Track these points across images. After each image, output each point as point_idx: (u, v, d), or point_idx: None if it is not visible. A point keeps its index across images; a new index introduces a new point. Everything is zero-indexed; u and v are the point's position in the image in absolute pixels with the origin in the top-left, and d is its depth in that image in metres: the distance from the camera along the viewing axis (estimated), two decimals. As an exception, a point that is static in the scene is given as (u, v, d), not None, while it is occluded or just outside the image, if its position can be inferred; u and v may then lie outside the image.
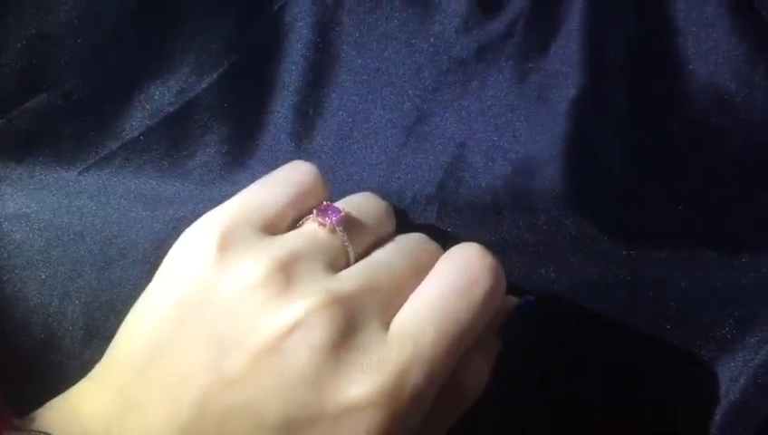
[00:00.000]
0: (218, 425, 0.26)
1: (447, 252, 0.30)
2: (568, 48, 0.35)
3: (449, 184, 0.35)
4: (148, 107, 0.36)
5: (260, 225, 0.29)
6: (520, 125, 0.35)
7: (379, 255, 0.30)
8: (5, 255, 0.34)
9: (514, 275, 0.33)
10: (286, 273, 0.27)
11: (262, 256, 0.28)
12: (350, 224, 0.30)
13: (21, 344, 0.33)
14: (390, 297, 0.28)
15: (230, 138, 0.36)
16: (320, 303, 0.27)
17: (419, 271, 0.29)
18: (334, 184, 0.35)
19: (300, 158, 0.36)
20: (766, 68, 0.34)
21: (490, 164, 0.35)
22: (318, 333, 0.26)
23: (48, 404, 0.29)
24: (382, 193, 0.32)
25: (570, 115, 0.35)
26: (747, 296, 0.33)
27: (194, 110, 0.36)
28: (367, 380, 0.26)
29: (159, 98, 0.36)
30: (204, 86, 0.36)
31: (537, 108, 0.35)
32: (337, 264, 0.29)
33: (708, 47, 0.35)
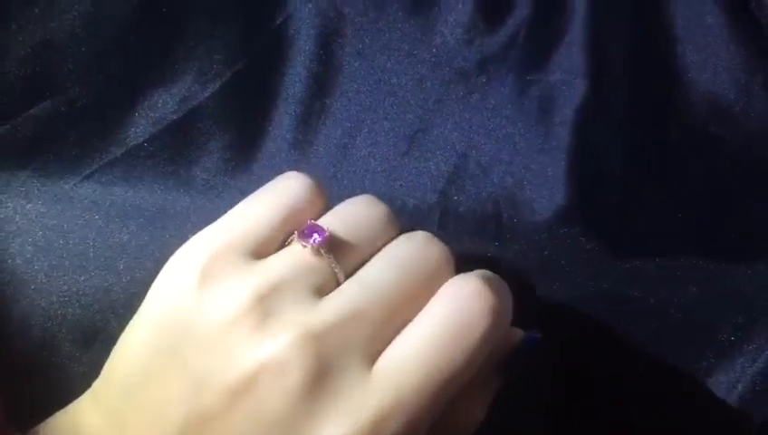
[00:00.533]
0: None
1: (446, 285, 0.28)
2: (569, 58, 0.35)
3: (451, 193, 0.35)
4: (151, 114, 0.36)
5: (247, 249, 0.28)
6: (521, 137, 0.35)
7: (369, 273, 0.28)
8: (6, 259, 0.34)
9: (514, 286, 0.33)
10: (264, 306, 0.26)
11: (241, 288, 0.27)
12: (336, 243, 0.28)
13: (20, 348, 0.33)
14: (378, 327, 0.27)
15: (233, 146, 0.36)
16: (294, 341, 0.25)
17: (419, 284, 0.27)
18: (336, 192, 0.35)
19: (302, 166, 0.36)
20: (765, 77, 0.35)
21: (491, 175, 0.35)
22: (291, 375, 0.25)
23: (50, 419, 0.29)
24: (384, 200, 0.33)
25: (570, 126, 0.35)
26: (745, 304, 0.33)
27: (197, 118, 0.36)
28: (342, 423, 0.25)
29: (163, 106, 0.36)
30: (207, 95, 0.36)
31: (538, 120, 0.35)
32: (324, 287, 0.28)
33: (707, 56, 0.35)
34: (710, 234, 0.34)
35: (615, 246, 0.34)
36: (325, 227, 0.28)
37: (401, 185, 0.36)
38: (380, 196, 0.34)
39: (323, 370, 0.25)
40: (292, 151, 0.36)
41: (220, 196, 0.36)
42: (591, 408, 0.33)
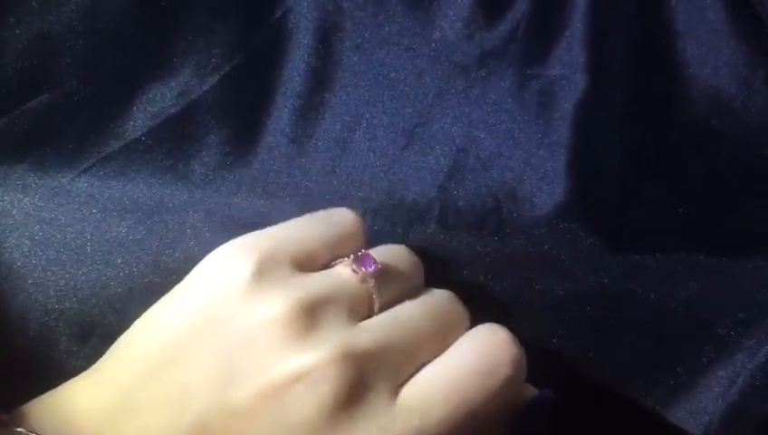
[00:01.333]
0: None
1: (474, 329, 0.29)
2: (569, 53, 0.35)
3: (450, 187, 0.35)
4: (149, 108, 0.36)
5: (293, 260, 0.29)
6: (520, 132, 0.35)
7: (403, 310, 0.29)
8: (3, 253, 0.34)
9: (514, 283, 0.34)
10: (310, 316, 0.27)
11: (291, 294, 0.27)
12: (382, 276, 0.30)
13: (18, 342, 0.33)
14: (405, 359, 0.28)
15: (231, 140, 0.36)
16: (334, 356, 0.26)
17: (442, 332, 0.29)
18: (335, 186, 0.35)
19: (300, 160, 0.36)
20: (766, 72, 0.35)
21: (491, 170, 0.35)
22: (326, 388, 0.26)
23: (38, 399, 0.28)
24: (383, 194, 0.33)
25: (570, 121, 0.35)
26: (745, 300, 0.33)
27: (195, 112, 0.36)
28: None
29: (161, 99, 0.36)
30: (205, 88, 0.36)
31: (538, 115, 0.35)
32: (360, 312, 0.29)
33: (708, 51, 0.35)
34: (710, 229, 0.34)
35: (615, 241, 0.34)
36: (377, 259, 0.30)
37: (401, 179, 0.35)
38: (380, 190, 0.35)
39: (355, 389, 0.26)
40: (291, 145, 0.36)
41: (218, 190, 0.36)
42: (591, 405, 0.33)
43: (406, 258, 0.31)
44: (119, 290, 0.33)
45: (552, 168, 0.34)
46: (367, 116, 0.36)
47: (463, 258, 0.34)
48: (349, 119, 0.36)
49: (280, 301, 0.27)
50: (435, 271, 0.33)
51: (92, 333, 0.33)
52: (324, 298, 0.28)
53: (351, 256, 0.30)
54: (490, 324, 0.29)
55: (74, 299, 0.33)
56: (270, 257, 0.28)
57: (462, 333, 0.29)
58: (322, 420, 0.26)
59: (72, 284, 0.33)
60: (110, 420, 0.27)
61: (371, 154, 0.36)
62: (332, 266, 0.30)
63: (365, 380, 0.27)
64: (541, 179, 0.34)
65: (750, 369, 0.32)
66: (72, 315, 0.33)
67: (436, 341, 0.29)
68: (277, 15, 0.37)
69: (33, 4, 0.36)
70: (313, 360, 0.26)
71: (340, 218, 0.31)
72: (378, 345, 0.27)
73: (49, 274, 0.33)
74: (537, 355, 0.30)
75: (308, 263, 0.29)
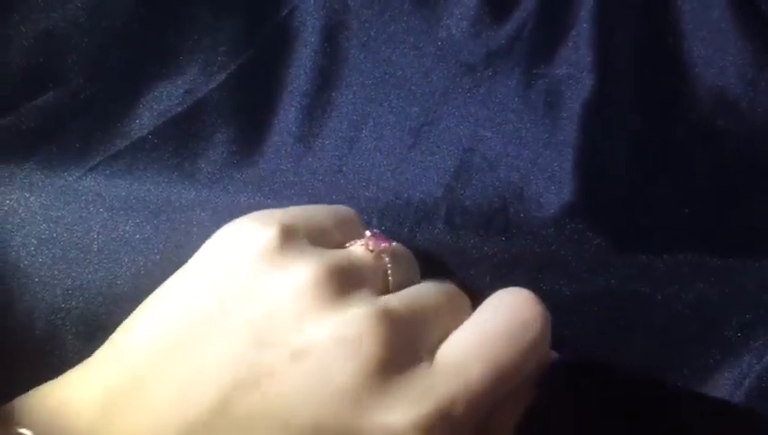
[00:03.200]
0: (237, 421, 0.25)
1: (498, 292, 0.29)
2: (576, 53, 0.35)
3: (457, 187, 0.35)
4: (155, 107, 0.36)
5: (309, 235, 0.29)
6: (527, 132, 0.35)
7: (418, 288, 0.30)
8: (10, 252, 0.34)
9: (521, 283, 0.33)
10: (340, 281, 0.27)
11: (318, 261, 0.27)
12: (394, 256, 0.30)
13: (24, 341, 0.33)
14: (435, 327, 0.28)
15: (238, 138, 0.36)
16: (376, 317, 0.26)
17: (454, 311, 0.29)
18: (342, 185, 0.35)
19: (307, 159, 0.36)
20: (772, 72, 0.35)
21: (498, 169, 0.35)
22: (369, 348, 0.25)
23: (30, 392, 0.28)
24: (390, 194, 0.33)
25: (577, 120, 0.35)
26: (752, 301, 0.33)
27: (202, 110, 0.36)
28: (409, 408, 0.25)
29: (167, 98, 0.36)
30: (212, 87, 0.36)
31: (544, 114, 0.35)
32: (378, 287, 0.29)
33: (714, 51, 0.35)
34: (716, 229, 0.34)
35: (621, 242, 0.34)
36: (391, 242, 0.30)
37: (407, 179, 0.35)
38: (386, 189, 0.35)
39: (398, 351, 0.26)
40: (298, 144, 0.36)
41: (225, 189, 0.36)
42: (599, 404, 0.33)
43: (409, 254, 0.31)
44: (125, 289, 0.33)
45: (558, 167, 0.34)
46: (373, 115, 0.36)
47: (470, 258, 0.34)
48: (355, 118, 0.36)
49: (307, 267, 0.27)
50: (442, 271, 0.33)
51: (99, 332, 0.33)
52: (347, 268, 0.28)
53: (366, 233, 0.30)
54: (512, 287, 0.29)
55: (81, 298, 0.33)
56: (291, 228, 0.28)
57: (468, 312, 0.29)
58: (364, 380, 0.25)
59: (79, 282, 0.33)
60: (110, 407, 0.26)
61: (378, 153, 0.36)
62: (348, 247, 0.30)
63: (406, 341, 0.26)
64: (548, 179, 0.34)
65: (757, 370, 0.32)
66: (79, 314, 0.33)
67: (454, 314, 0.29)
68: (283, 14, 0.37)
69: (39, 1, 0.36)
70: (357, 320, 0.26)
71: (343, 210, 0.32)
72: (411, 310, 0.27)
73: (55, 272, 0.33)
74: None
75: (322, 240, 0.29)
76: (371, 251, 0.29)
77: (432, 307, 0.28)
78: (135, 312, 0.28)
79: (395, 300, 0.28)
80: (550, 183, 0.34)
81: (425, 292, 0.29)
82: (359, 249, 0.30)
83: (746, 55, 0.35)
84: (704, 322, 0.33)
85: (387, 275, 0.29)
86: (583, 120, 0.35)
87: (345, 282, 0.27)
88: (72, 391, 0.27)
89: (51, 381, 0.28)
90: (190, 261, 0.28)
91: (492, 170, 0.35)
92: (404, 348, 0.26)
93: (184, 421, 0.25)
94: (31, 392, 0.28)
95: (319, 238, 0.29)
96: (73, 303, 0.33)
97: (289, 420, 0.25)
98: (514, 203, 0.34)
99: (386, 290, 0.29)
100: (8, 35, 0.35)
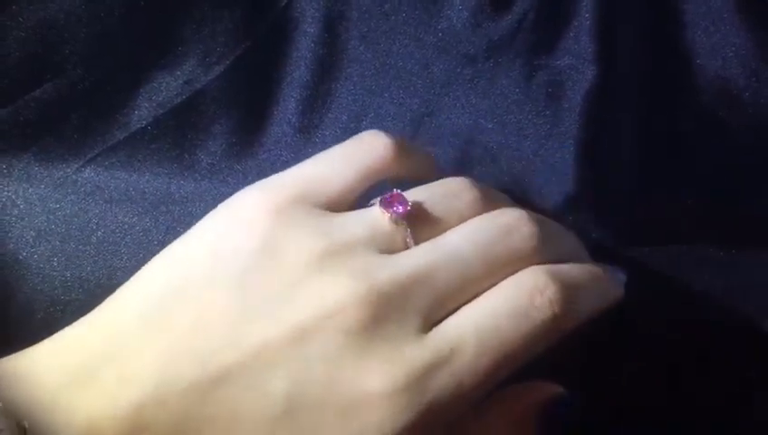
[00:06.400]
0: (217, 385, 0.25)
1: (517, 274, 0.28)
2: (578, 43, 0.35)
3: (458, 177, 0.35)
4: (154, 98, 0.36)
5: (321, 200, 0.28)
6: (529, 123, 0.35)
7: (447, 241, 0.28)
8: (8, 243, 0.34)
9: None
10: (334, 256, 0.26)
11: (314, 237, 0.27)
12: (416, 217, 0.28)
13: (23, 333, 0.33)
14: (442, 293, 0.27)
15: (237, 129, 0.36)
16: (360, 287, 0.26)
17: (496, 262, 0.28)
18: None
19: (307, 150, 0.36)
20: (775, 63, 0.34)
21: (499, 161, 0.35)
22: (351, 317, 0.25)
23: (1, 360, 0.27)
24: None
25: (579, 111, 0.34)
26: (757, 292, 0.33)
27: (201, 101, 0.36)
28: (387, 373, 0.25)
29: (166, 89, 0.36)
30: (211, 78, 0.36)
31: (546, 105, 0.35)
32: (395, 252, 0.28)
33: (717, 41, 0.35)
34: (720, 221, 0.34)
35: (624, 233, 0.34)
36: (409, 201, 0.29)
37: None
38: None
39: (382, 319, 0.26)
40: (298, 135, 0.36)
41: (225, 180, 0.35)
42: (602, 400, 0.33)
43: (458, 193, 0.30)
44: (124, 280, 0.33)
45: (560, 159, 0.34)
46: (374, 106, 0.36)
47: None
48: (355, 109, 0.36)
49: (300, 243, 0.26)
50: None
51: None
52: (351, 238, 0.27)
53: (380, 197, 0.29)
54: (540, 267, 0.28)
55: (80, 290, 0.33)
56: (290, 201, 0.28)
57: (532, 262, 0.28)
58: (344, 347, 0.25)
59: (78, 274, 0.33)
60: (74, 379, 0.25)
61: (378, 144, 0.36)
62: (370, 205, 0.29)
63: (393, 310, 0.26)
64: (549, 171, 0.34)
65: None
66: (78, 306, 0.33)
67: (488, 273, 0.27)
68: (283, 4, 0.37)
69: (36, -9, 0.35)
70: (342, 291, 0.26)
71: (366, 150, 0.30)
72: (412, 278, 0.26)
73: (54, 264, 0.33)
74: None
75: (335, 203, 0.29)
76: (386, 216, 0.28)
77: (450, 272, 0.27)
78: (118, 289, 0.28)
79: (400, 265, 0.27)
80: (551, 174, 0.34)
81: (453, 248, 0.28)
82: (373, 213, 0.28)
83: (750, 46, 0.35)
84: (707, 316, 0.33)
85: (406, 240, 0.28)
86: (585, 111, 0.34)
87: (341, 254, 0.27)
88: (38, 362, 0.26)
89: (25, 350, 0.27)
90: (179, 241, 0.28)
91: (493, 162, 0.35)
92: (393, 317, 0.26)
93: (159, 393, 0.25)
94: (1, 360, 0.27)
95: (331, 202, 0.28)
96: (72, 295, 0.33)
97: (268, 390, 0.25)
98: (516, 195, 0.34)
99: (405, 248, 0.28)
100: (6, 26, 0.35)
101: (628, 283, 0.31)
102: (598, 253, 0.33)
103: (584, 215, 0.34)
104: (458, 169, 0.35)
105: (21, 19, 0.35)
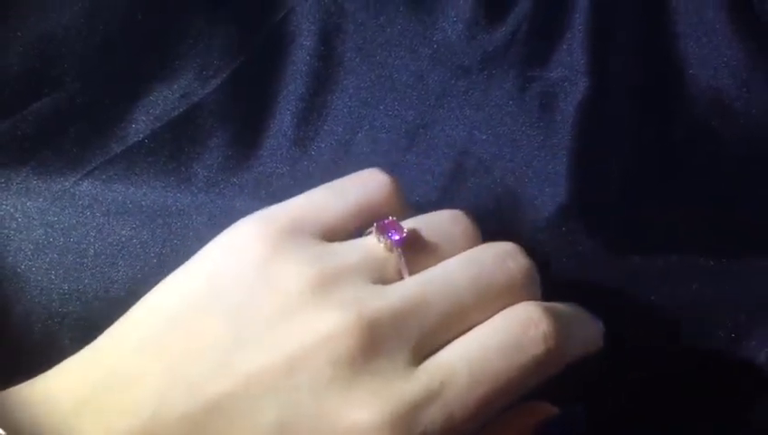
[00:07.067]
0: (209, 414, 0.25)
1: (511, 307, 0.28)
2: (571, 55, 0.35)
3: (452, 189, 0.35)
4: (151, 111, 0.36)
5: (317, 230, 0.29)
6: (522, 134, 0.35)
7: (439, 272, 0.28)
8: (7, 256, 0.34)
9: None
10: (326, 285, 0.27)
11: (307, 266, 0.27)
12: (412, 245, 0.29)
13: (21, 345, 0.33)
14: (434, 325, 0.27)
15: (234, 142, 0.36)
16: (351, 318, 0.26)
17: (489, 295, 0.28)
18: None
19: (303, 162, 0.36)
20: (766, 73, 0.35)
21: (493, 172, 0.35)
22: (340, 347, 0.25)
23: (11, 388, 0.27)
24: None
25: (572, 123, 0.35)
26: (745, 301, 0.33)
27: (198, 114, 0.36)
28: (376, 405, 0.25)
29: (163, 102, 0.36)
30: (207, 91, 0.36)
31: (539, 117, 0.35)
32: (389, 281, 0.28)
33: (709, 52, 0.35)
34: (711, 230, 0.34)
35: (616, 244, 0.34)
36: (405, 229, 0.29)
37: (403, 181, 0.35)
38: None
39: (371, 350, 0.26)
40: (294, 148, 0.36)
41: (221, 193, 0.36)
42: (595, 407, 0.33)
43: (451, 226, 0.30)
44: (122, 293, 0.33)
45: (553, 170, 0.34)
46: (369, 118, 0.36)
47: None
48: (351, 121, 0.36)
49: (294, 274, 0.27)
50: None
51: (95, 337, 0.33)
52: (343, 268, 0.27)
53: (375, 224, 0.29)
54: (534, 302, 0.28)
55: (78, 302, 0.33)
56: (288, 230, 0.28)
57: (524, 296, 0.28)
58: (333, 378, 0.25)
59: (76, 287, 0.33)
60: (84, 405, 0.26)
61: (373, 156, 0.36)
62: (365, 235, 0.29)
63: (383, 342, 0.26)
64: (542, 181, 0.34)
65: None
66: (76, 319, 0.33)
67: (481, 307, 0.28)
68: (279, 18, 0.37)
69: (35, 5, 0.36)
70: (331, 322, 0.26)
71: (368, 185, 0.30)
72: (398, 307, 0.26)
73: (52, 277, 0.34)
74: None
75: (332, 233, 0.29)
76: (381, 244, 0.29)
77: (442, 304, 0.27)
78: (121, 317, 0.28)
79: (391, 296, 0.27)
80: (544, 185, 0.34)
81: (442, 279, 0.28)
82: (369, 241, 0.29)
83: (741, 57, 0.35)
84: (698, 323, 0.33)
85: (399, 269, 0.28)
86: (578, 122, 0.35)
87: (333, 284, 0.27)
88: (48, 388, 0.27)
89: (30, 380, 0.28)
90: (179, 269, 0.29)
91: (487, 173, 0.35)
92: (382, 349, 0.26)
93: (155, 423, 0.25)
94: (8, 390, 0.27)
95: (328, 231, 0.29)
96: (70, 307, 0.33)
97: (259, 419, 0.25)
98: (509, 205, 0.34)
99: (398, 280, 0.28)
100: (4, 39, 0.35)
101: (620, 292, 0.31)
102: (590, 262, 0.34)
103: (576, 225, 0.34)
104: (452, 179, 0.35)
105: (19, 33, 0.35)
